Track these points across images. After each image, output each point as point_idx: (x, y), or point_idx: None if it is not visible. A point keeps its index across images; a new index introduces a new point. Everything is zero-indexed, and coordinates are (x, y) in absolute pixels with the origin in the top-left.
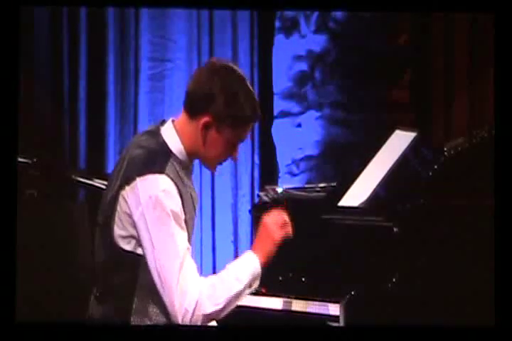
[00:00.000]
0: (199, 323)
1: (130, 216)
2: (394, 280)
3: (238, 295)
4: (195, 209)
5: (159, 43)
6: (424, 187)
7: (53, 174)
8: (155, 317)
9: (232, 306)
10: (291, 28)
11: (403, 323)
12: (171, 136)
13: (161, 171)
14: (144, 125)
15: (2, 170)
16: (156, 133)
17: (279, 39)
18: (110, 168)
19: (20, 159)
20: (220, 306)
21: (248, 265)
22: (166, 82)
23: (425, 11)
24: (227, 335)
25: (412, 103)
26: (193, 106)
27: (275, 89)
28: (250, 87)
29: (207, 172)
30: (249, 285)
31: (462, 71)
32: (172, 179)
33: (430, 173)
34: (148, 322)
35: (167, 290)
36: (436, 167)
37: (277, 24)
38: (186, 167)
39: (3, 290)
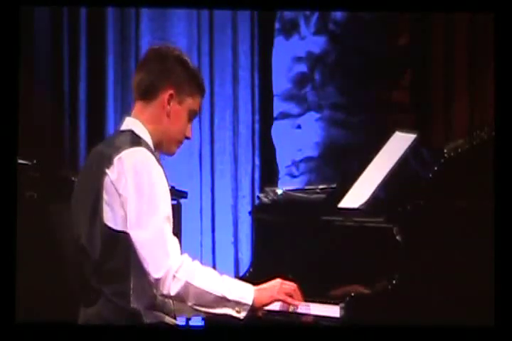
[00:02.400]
0: (175, 290)
1: (116, 194)
2: (394, 280)
3: (220, 299)
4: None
5: (159, 44)
6: (424, 188)
7: (53, 175)
8: (153, 291)
9: (207, 304)
10: (291, 30)
11: (403, 323)
12: (134, 124)
13: (139, 145)
14: None
15: (2, 172)
16: (117, 132)
17: (278, 40)
18: None
19: (20, 161)
20: (202, 287)
21: (244, 290)
22: None
23: (425, 11)
24: (228, 335)
25: (412, 103)
26: (150, 89)
27: (275, 91)
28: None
29: (207, 174)
30: (233, 305)
31: (462, 71)
32: (150, 152)
33: (430, 175)
34: (147, 299)
35: (149, 248)
36: (436, 168)
37: (277, 26)
38: (155, 156)
39: (3, 290)
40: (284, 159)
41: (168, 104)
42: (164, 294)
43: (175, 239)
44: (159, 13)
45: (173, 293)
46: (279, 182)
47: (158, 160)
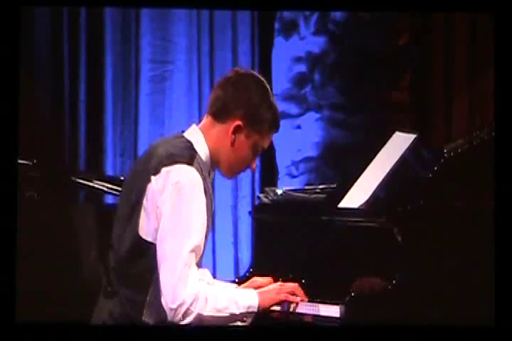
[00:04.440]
0: (187, 321)
1: (155, 206)
2: (394, 280)
3: (228, 316)
4: (211, 214)
5: (160, 45)
6: (424, 188)
7: (53, 176)
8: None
9: (216, 322)
10: (290, 30)
11: (403, 323)
12: (196, 136)
13: (190, 163)
14: (144, 127)
15: (2, 172)
16: (180, 136)
17: (278, 41)
18: (110, 169)
19: (20, 161)
20: (212, 313)
21: (249, 298)
22: (167, 84)
23: (425, 11)
24: (227, 335)
25: (412, 103)
26: (222, 111)
27: (275, 91)
28: (272, 97)
29: None
30: (241, 316)
31: (462, 71)
32: (200, 173)
33: (430, 174)
34: (160, 315)
35: (170, 275)
36: (435, 168)
37: (277, 26)
38: (208, 172)
39: (3, 290)
40: (283, 159)
41: (233, 134)
42: (175, 321)
43: (196, 270)
44: (159, 14)
45: (184, 323)
46: (279, 182)
47: (208, 183)
